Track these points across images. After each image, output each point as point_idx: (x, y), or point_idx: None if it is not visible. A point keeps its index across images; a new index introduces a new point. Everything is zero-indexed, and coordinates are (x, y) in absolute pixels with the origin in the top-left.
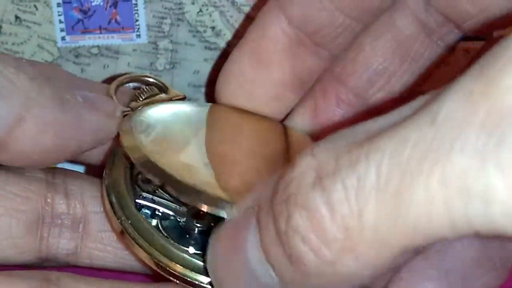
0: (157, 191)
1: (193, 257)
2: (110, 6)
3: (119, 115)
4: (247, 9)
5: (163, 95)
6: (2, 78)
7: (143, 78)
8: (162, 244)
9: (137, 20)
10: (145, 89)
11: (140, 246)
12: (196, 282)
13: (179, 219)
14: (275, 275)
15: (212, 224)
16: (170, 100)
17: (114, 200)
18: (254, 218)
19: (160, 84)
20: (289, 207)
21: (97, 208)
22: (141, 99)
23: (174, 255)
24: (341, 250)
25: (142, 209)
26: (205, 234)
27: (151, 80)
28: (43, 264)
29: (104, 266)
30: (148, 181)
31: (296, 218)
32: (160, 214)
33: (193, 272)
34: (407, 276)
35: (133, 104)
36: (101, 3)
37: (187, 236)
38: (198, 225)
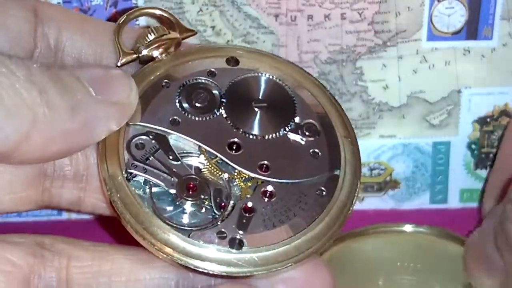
0: (150, 158)
1: (178, 236)
2: (110, 6)
3: (134, 100)
4: (247, 8)
5: (172, 35)
6: (12, 92)
7: (150, 11)
8: (148, 221)
9: (137, 20)
10: (153, 29)
11: (127, 222)
12: (180, 262)
13: (169, 191)
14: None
15: (201, 197)
16: (181, 40)
17: (106, 169)
18: None
19: (169, 17)
20: None
21: None
22: (149, 40)
23: (160, 234)
24: None
25: (134, 178)
26: (195, 207)
27: (158, 12)
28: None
29: (106, 214)
30: (142, 146)
31: None
32: (150, 185)
33: (176, 252)
34: None
35: (141, 47)
36: (101, 3)
37: (176, 209)
38: (189, 198)
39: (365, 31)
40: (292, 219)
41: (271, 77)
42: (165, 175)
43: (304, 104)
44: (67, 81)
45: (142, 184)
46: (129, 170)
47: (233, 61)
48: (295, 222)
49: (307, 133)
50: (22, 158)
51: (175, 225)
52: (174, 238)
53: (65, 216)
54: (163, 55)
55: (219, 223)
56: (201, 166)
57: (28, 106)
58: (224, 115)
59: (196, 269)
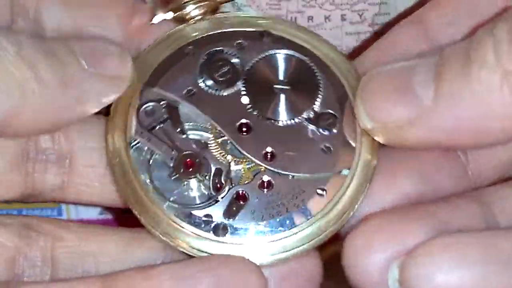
0: (157, 127)
1: (166, 212)
2: None
3: (129, 72)
4: (247, 9)
5: None
6: (1, 68)
7: None
8: (141, 190)
9: None
10: None
11: (121, 188)
12: (164, 239)
13: (168, 165)
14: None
15: (198, 175)
16: (219, 5)
17: (112, 131)
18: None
19: None
20: None
21: (84, 144)
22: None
23: (149, 207)
24: None
25: (137, 145)
26: (189, 185)
27: None
28: (29, 200)
29: (92, 202)
30: (152, 113)
31: None
32: (151, 154)
33: (160, 230)
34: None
35: (177, 5)
36: None
37: (171, 184)
38: (184, 175)
39: (365, 32)
40: (283, 215)
41: (301, 58)
42: (167, 147)
43: (330, 92)
44: (59, 54)
45: (144, 152)
46: (133, 136)
47: (266, 35)
48: (285, 219)
49: (324, 125)
50: (13, 132)
51: (166, 199)
52: (161, 213)
53: (65, 216)
54: (198, 18)
55: (209, 205)
56: (208, 143)
57: (18, 82)
58: (242, 93)
59: (176, 247)
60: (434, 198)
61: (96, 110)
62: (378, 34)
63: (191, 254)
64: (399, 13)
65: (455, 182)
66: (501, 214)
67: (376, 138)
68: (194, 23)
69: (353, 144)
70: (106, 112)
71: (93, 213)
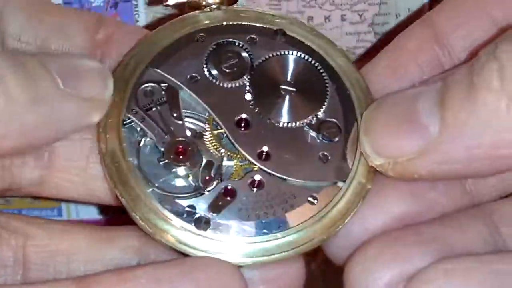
0: (153, 109)
1: (149, 197)
2: (111, 7)
3: (109, 93)
4: None
5: None
6: None
7: None
8: (128, 171)
9: (137, 21)
10: None
11: (106, 165)
12: (143, 224)
13: (159, 149)
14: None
15: (187, 164)
16: None
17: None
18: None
19: None
20: None
21: None
22: None
23: (135, 189)
24: None
25: (130, 124)
26: (177, 172)
27: None
28: (6, 195)
29: (71, 198)
30: (151, 94)
31: None
32: (142, 135)
33: (143, 219)
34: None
35: None
36: (101, 4)
37: (159, 169)
38: (173, 161)
39: (365, 32)
40: (269, 218)
41: (312, 62)
42: (160, 131)
43: (336, 101)
44: (31, 70)
45: (136, 133)
46: (127, 114)
47: (281, 34)
48: (270, 222)
49: (325, 133)
50: None
51: (152, 184)
52: (143, 196)
53: (65, 216)
54: (214, 7)
55: (194, 196)
56: (203, 133)
57: None
58: (246, 88)
59: (154, 235)
60: (432, 216)
61: (75, 132)
62: (382, 40)
63: (168, 244)
64: (402, 19)
65: (453, 200)
66: (509, 234)
67: (386, 174)
68: (209, 11)
69: (350, 165)
70: None
71: (93, 213)
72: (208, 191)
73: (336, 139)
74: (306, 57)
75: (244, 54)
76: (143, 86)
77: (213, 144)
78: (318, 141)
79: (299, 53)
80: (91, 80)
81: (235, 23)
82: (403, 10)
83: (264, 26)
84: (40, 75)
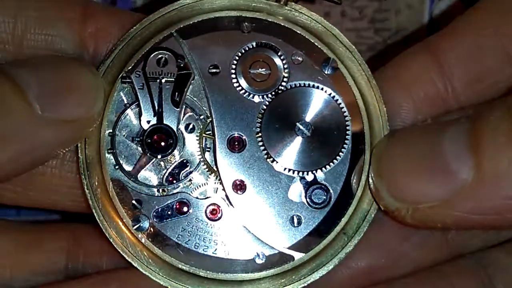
0: (157, 81)
1: (109, 172)
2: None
3: (98, 109)
4: None
5: None
6: None
7: None
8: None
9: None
10: None
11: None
12: (87, 191)
13: (140, 126)
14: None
15: (159, 156)
16: None
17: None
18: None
19: None
20: None
21: None
22: None
23: (93, 158)
24: None
25: (125, 85)
26: (146, 161)
27: None
28: None
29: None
30: (163, 65)
31: None
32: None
33: (95, 178)
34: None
35: None
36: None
37: (127, 149)
38: (146, 147)
39: (365, 29)
40: (205, 254)
41: (344, 115)
42: (152, 107)
43: (345, 167)
44: (2, 99)
45: (127, 96)
46: (129, 74)
47: (329, 65)
48: (203, 258)
49: (313, 198)
50: None
51: (115, 160)
52: (100, 169)
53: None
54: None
55: (149, 192)
56: (194, 130)
57: None
58: (262, 107)
59: (93, 209)
60: (404, 271)
61: (44, 163)
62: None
63: (102, 229)
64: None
65: (430, 252)
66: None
67: (403, 220)
68: (290, 10)
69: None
70: None
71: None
72: (166, 194)
73: (322, 208)
74: (339, 102)
75: (280, 70)
76: (160, 51)
77: (197, 147)
78: (298, 201)
79: (333, 94)
80: (78, 96)
81: (290, 27)
82: (403, 6)
83: (319, 46)
84: (13, 105)
